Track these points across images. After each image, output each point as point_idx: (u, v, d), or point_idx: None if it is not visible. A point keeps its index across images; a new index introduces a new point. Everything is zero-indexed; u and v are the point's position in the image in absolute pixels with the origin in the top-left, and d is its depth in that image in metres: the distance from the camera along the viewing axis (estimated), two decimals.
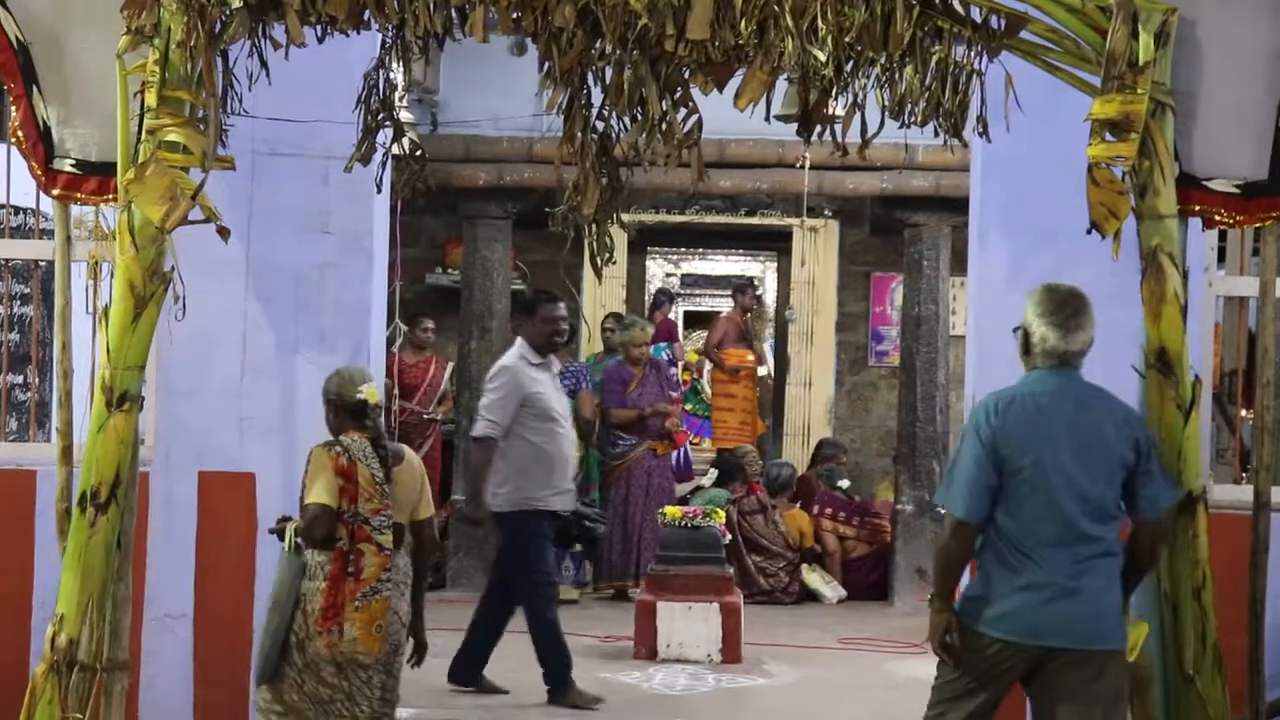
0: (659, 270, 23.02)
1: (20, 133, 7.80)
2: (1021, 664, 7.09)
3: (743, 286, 20.26)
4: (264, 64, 7.84)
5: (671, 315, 21.58)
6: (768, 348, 20.43)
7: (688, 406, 19.97)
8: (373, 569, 7.66)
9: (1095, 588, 7.04)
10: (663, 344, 20.12)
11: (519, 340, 11.06)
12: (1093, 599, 7.03)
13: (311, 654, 7.57)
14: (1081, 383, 7.32)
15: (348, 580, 7.57)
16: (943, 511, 7.43)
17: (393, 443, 8.11)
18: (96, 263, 7.94)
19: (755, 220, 17.73)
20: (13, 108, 7.88)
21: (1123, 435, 7.13)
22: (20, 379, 10.23)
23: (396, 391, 14.64)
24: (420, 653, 8.43)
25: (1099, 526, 7.05)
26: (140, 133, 7.51)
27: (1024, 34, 7.61)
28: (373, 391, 7.89)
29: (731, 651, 11.52)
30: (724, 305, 22.38)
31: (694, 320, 24.27)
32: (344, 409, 7.97)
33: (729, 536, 13.40)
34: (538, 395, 10.78)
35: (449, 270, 16.14)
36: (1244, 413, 9.11)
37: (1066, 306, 7.34)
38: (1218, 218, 7.74)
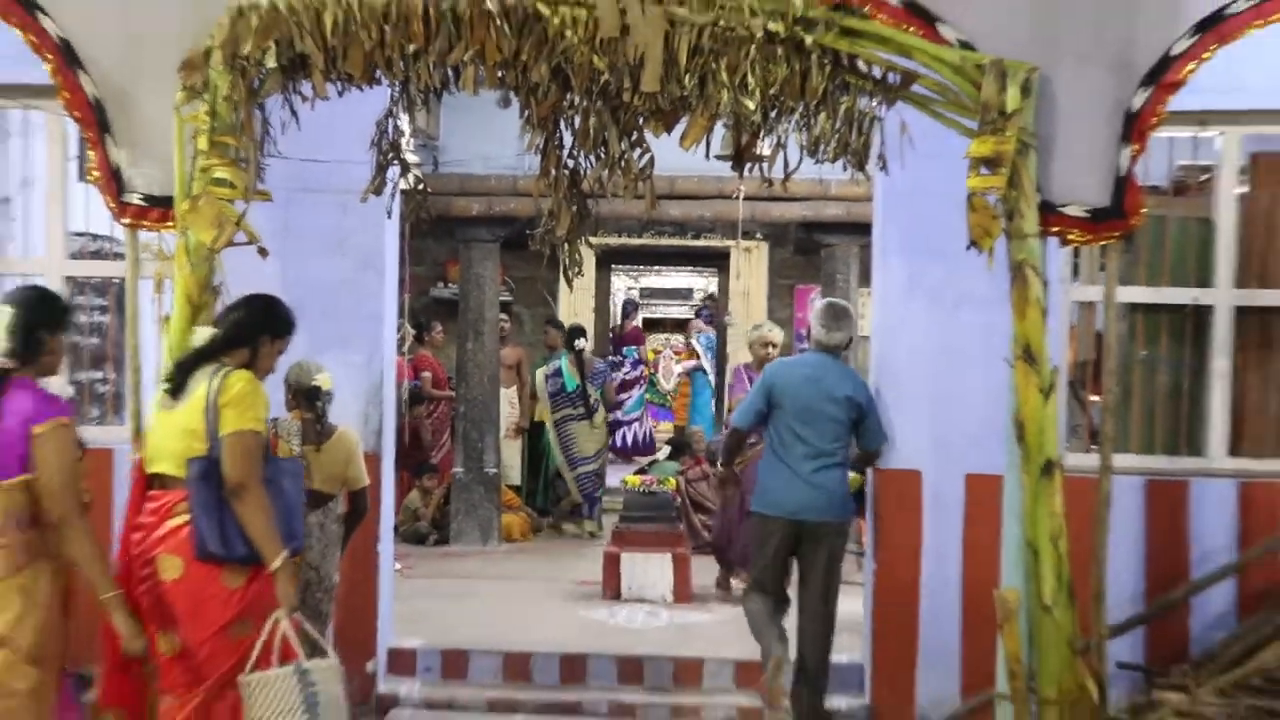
0: (621, 283, 23.02)
1: (97, 173, 7.75)
2: (788, 530, 9.08)
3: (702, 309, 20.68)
4: (294, 114, 7.79)
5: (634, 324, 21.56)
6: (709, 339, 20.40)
7: (647, 396, 20.01)
8: None
9: (826, 483, 9.08)
10: (632, 346, 20.16)
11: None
12: (824, 490, 9.06)
13: None
14: (835, 362, 9.34)
15: None
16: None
17: (329, 424, 8.03)
18: (160, 279, 7.83)
19: (699, 242, 17.70)
20: (90, 153, 7.82)
21: (855, 398, 9.14)
22: (100, 375, 10.18)
23: (429, 377, 14.87)
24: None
25: (830, 446, 9.10)
26: (194, 171, 7.49)
27: (915, 88, 7.63)
28: (326, 380, 7.94)
29: (682, 593, 11.53)
30: (675, 312, 22.37)
31: (650, 325, 24.23)
32: (300, 393, 7.95)
33: (679, 500, 13.47)
34: None
35: (449, 285, 16.14)
36: (1092, 396, 9.16)
37: (831, 316, 9.41)
38: (1071, 237, 7.71)
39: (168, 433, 6.34)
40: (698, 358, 20.30)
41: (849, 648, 9.59)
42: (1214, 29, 7.62)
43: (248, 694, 6.10)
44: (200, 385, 6.33)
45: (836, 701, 9.21)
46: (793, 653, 9.03)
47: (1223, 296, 9.19)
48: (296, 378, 8.06)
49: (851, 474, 9.56)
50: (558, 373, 15.42)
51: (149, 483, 6.44)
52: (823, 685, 9.03)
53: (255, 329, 6.71)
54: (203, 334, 6.55)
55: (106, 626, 6.35)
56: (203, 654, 6.23)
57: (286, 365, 8.01)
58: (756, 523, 9.25)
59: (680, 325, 23.56)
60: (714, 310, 20.81)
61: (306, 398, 7.87)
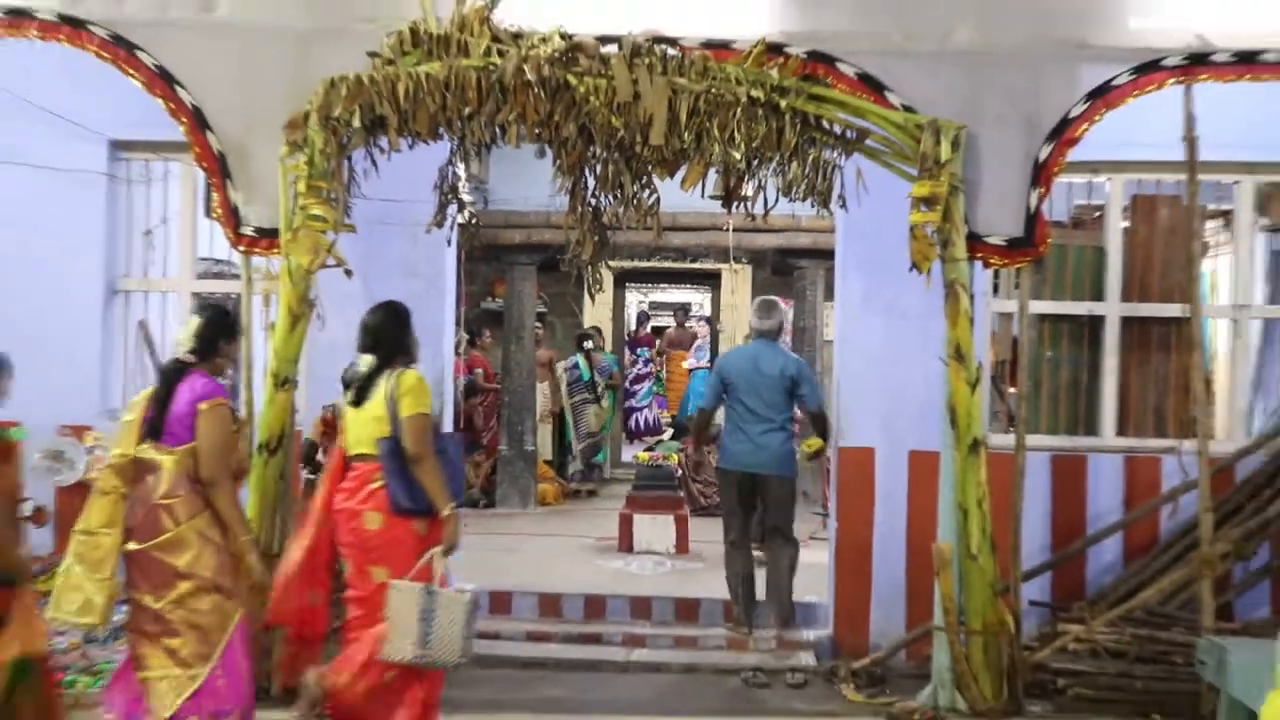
0: (634, 298, 23.05)
1: (219, 210, 7.90)
2: (746, 482, 9.33)
3: (680, 312, 20.71)
4: (374, 163, 7.82)
5: (648, 330, 21.50)
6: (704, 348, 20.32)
7: (654, 389, 20.03)
8: None
9: (770, 444, 9.28)
10: (644, 347, 20.11)
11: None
12: (768, 450, 9.27)
13: None
14: (771, 346, 9.52)
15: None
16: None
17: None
18: (267, 294, 7.95)
19: (697, 265, 17.63)
20: (214, 194, 7.95)
21: (786, 372, 9.33)
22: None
23: (481, 373, 14.76)
24: None
25: (773, 413, 9.30)
26: (295, 209, 7.57)
27: (868, 142, 7.69)
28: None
29: (682, 546, 11.45)
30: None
31: (658, 332, 24.25)
32: (346, 383, 7.89)
33: (680, 471, 13.42)
34: None
35: (496, 299, 16.10)
36: (1010, 388, 9.13)
37: (764, 309, 9.71)
38: (992, 261, 7.86)
39: (361, 425, 6.65)
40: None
41: (816, 591, 9.54)
42: (1102, 97, 7.75)
43: (390, 596, 6.40)
44: (380, 386, 6.63)
45: (806, 634, 9.11)
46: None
47: (1112, 309, 9.17)
48: (347, 372, 7.97)
49: (815, 439, 9.93)
50: (576, 366, 15.64)
51: (348, 462, 6.74)
52: (788, 597, 9.26)
53: (397, 333, 6.97)
54: (366, 361, 6.77)
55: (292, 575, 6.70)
56: (369, 591, 6.59)
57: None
58: (720, 475, 9.69)
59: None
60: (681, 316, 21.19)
61: (347, 386, 7.74)
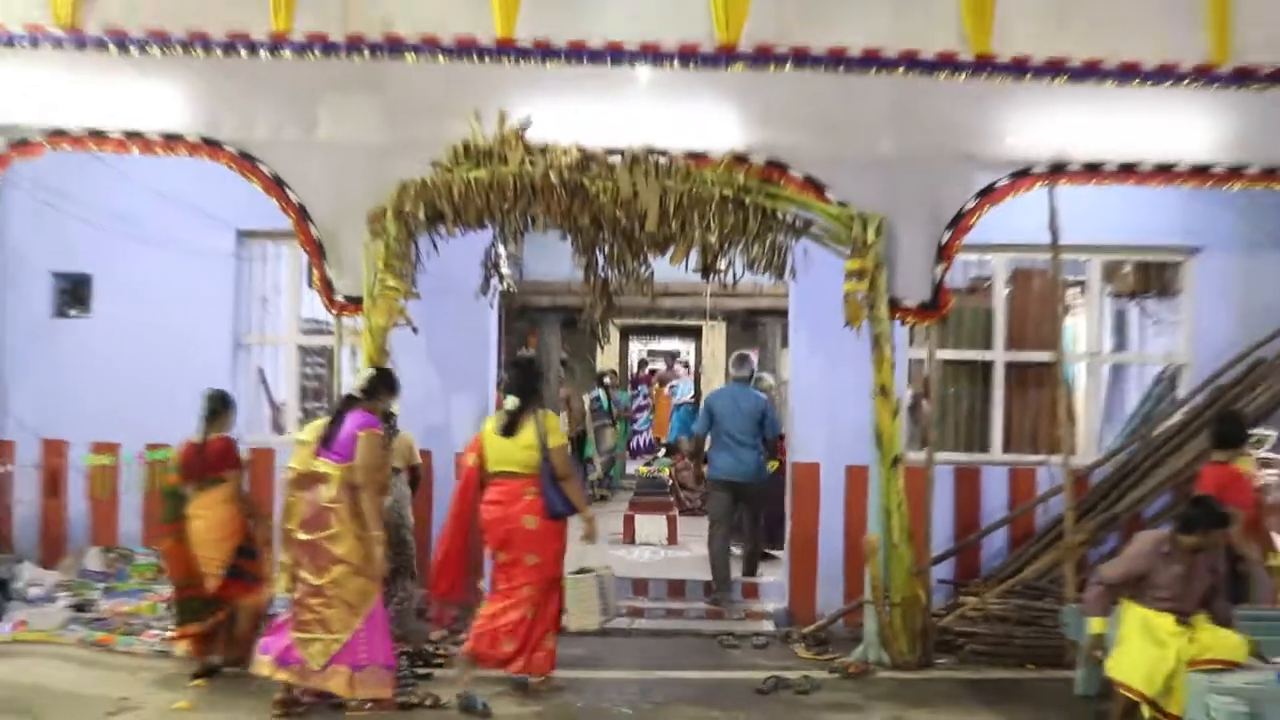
0: (635, 348, 22.87)
1: (318, 282, 7.89)
2: (730, 490, 9.46)
3: (669, 360, 20.70)
4: (434, 245, 7.79)
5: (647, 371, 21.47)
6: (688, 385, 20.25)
7: (651, 418, 20.00)
8: None
9: (746, 459, 9.44)
10: (643, 385, 20.09)
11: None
12: (745, 463, 9.44)
13: None
14: (744, 388, 9.69)
15: None
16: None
17: (394, 429, 7.71)
18: (354, 346, 7.90)
19: (683, 322, 17.52)
20: (314, 270, 7.94)
21: (757, 408, 9.51)
22: (320, 403, 10.07)
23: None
24: None
25: (748, 437, 9.44)
26: (375, 281, 7.55)
27: (812, 229, 7.69)
28: (395, 408, 7.62)
29: (672, 538, 11.41)
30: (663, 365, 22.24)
31: (654, 374, 24.17)
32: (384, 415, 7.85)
33: (671, 481, 13.44)
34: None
35: (529, 348, 16.04)
36: (919, 417, 9.09)
37: (738, 361, 9.92)
38: (908, 320, 7.85)
39: (510, 450, 6.88)
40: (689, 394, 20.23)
41: (776, 573, 9.52)
42: (987, 196, 7.82)
43: (569, 586, 7.05)
44: (529, 423, 6.89)
45: (767, 605, 9.08)
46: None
47: (998, 355, 9.17)
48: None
49: (772, 461, 9.81)
50: (598, 398, 15.48)
51: (486, 477, 7.01)
52: (755, 560, 9.73)
53: (534, 379, 7.26)
54: (511, 402, 6.98)
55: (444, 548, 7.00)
56: (548, 568, 6.92)
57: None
58: (711, 484, 9.66)
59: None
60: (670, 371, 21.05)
61: (384, 418, 7.76)
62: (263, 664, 6.35)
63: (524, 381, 7.05)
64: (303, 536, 6.30)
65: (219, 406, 7.25)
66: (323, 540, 6.27)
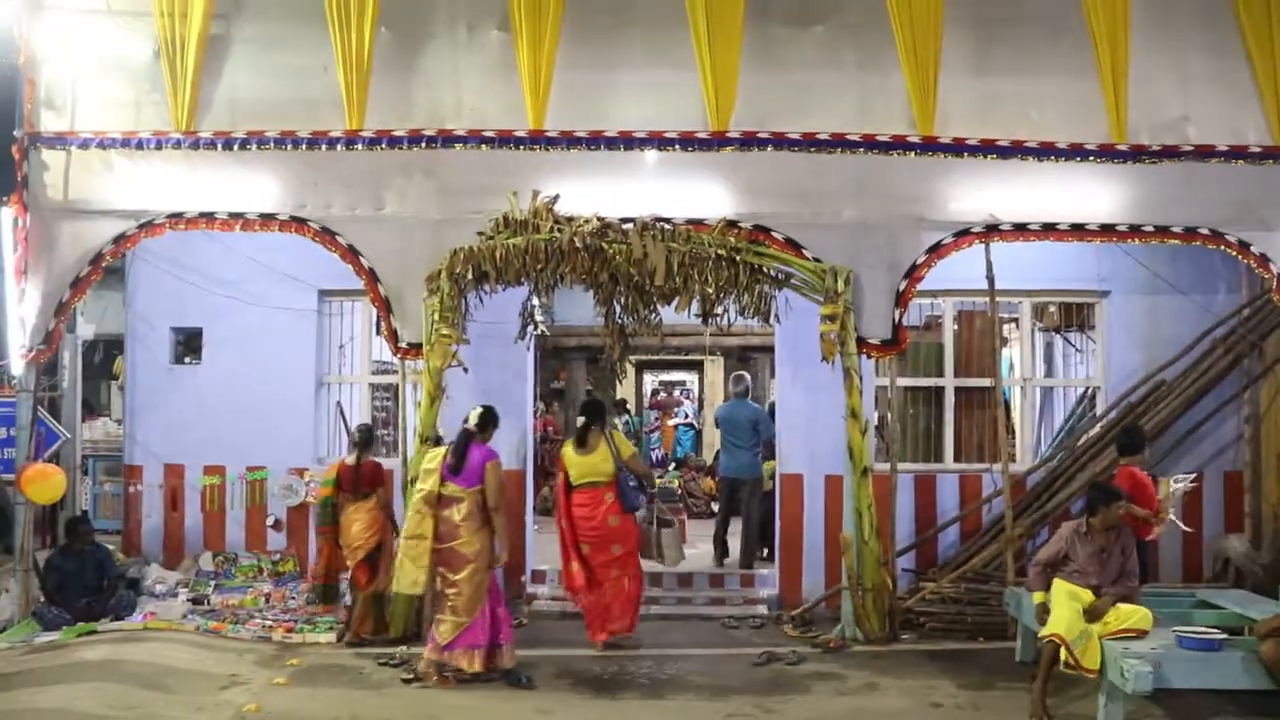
0: (649, 380, 22.70)
1: (386, 332, 7.87)
2: (730, 484, 9.70)
3: (670, 393, 20.63)
4: (480, 300, 7.84)
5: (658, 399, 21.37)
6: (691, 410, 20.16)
7: (661, 436, 19.90)
8: None
9: (745, 459, 9.61)
10: (655, 410, 20.01)
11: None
12: (744, 463, 9.61)
13: None
14: (743, 401, 9.78)
15: None
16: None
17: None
18: (415, 384, 7.96)
19: (688, 357, 17.34)
20: (382, 322, 7.90)
21: (751, 417, 9.61)
22: (386, 431, 10.11)
23: (550, 429, 14.64)
24: None
25: (745, 442, 9.58)
26: (432, 330, 7.61)
27: (793, 281, 7.71)
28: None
29: (681, 538, 11.27)
30: (675, 392, 22.09)
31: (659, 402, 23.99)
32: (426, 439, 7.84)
33: (680, 490, 13.38)
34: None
35: (560, 381, 16.06)
36: (884, 434, 9.07)
37: (735, 380, 10.04)
38: (873, 354, 7.84)
39: (589, 463, 7.42)
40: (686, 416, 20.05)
41: (768, 567, 9.41)
42: (935, 252, 7.83)
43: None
44: (600, 440, 7.45)
45: (761, 592, 8.93)
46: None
47: (948, 382, 9.16)
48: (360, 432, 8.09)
49: (767, 463, 9.70)
50: (628, 422, 15.54)
51: (571, 487, 7.50)
52: (751, 549, 9.55)
53: (601, 412, 7.72)
54: (580, 421, 7.58)
55: (567, 557, 7.53)
56: (630, 552, 7.53)
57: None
58: (719, 479, 10.07)
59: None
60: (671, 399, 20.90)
61: (436, 441, 7.81)
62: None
63: (591, 410, 7.59)
64: (440, 546, 6.58)
65: (369, 437, 7.89)
66: (460, 546, 6.57)
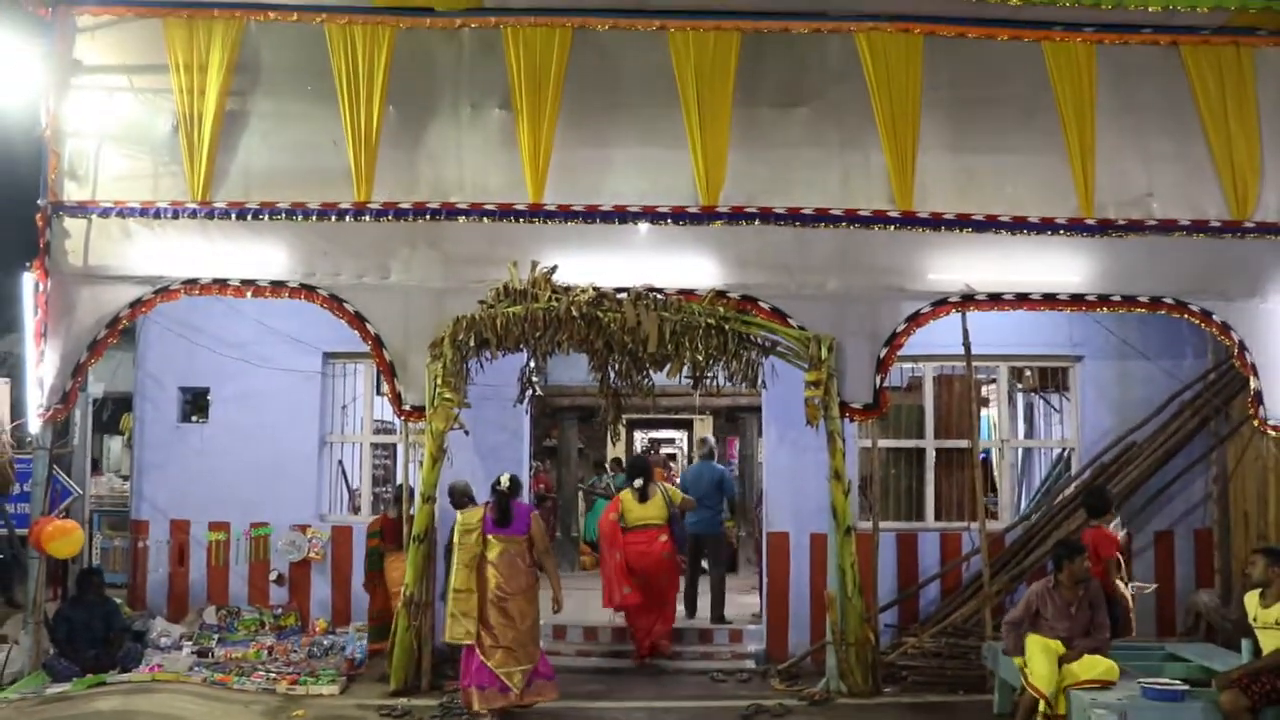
0: (640, 437, 22.59)
1: (390, 394, 8.04)
2: (697, 541, 9.51)
3: (661, 456, 20.57)
4: (481, 365, 7.98)
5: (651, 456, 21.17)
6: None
7: None
8: None
9: (708, 517, 9.51)
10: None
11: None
12: (707, 521, 9.50)
13: None
14: (709, 464, 9.75)
15: None
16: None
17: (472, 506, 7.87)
18: (418, 444, 8.10)
19: (678, 416, 17.23)
20: (385, 385, 8.09)
21: (715, 479, 9.59)
22: (387, 490, 10.02)
23: (543, 487, 14.68)
24: None
25: (709, 501, 9.49)
26: (435, 393, 7.75)
27: (779, 348, 7.89)
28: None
29: None
30: (666, 449, 22.01)
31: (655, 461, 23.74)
32: (455, 494, 8.19)
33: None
34: None
35: (553, 439, 15.93)
36: (867, 494, 9.13)
37: (701, 444, 10.13)
38: (855, 418, 8.00)
39: (646, 510, 8.67)
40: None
41: (755, 621, 9.40)
42: (915, 320, 8.02)
43: None
44: (656, 490, 8.72)
45: (749, 646, 8.88)
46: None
47: (929, 443, 9.28)
48: (456, 488, 8.23)
49: (731, 520, 10.56)
50: (606, 481, 15.25)
51: (626, 528, 8.60)
52: (720, 605, 9.39)
53: (644, 468, 9.02)
54: (639, 482, 8.77)
55: (618, 583, 8.55)
56: (674, 582, 8.75)
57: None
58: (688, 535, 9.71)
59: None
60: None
61: (460, 495, 8.09)
62: (472, 697, 6.97)
63: (644, 469, 8.88)
64: (500, 594, 7.01)
65: (399, 494, 8.32)
66: (519, 596, 7.04)
